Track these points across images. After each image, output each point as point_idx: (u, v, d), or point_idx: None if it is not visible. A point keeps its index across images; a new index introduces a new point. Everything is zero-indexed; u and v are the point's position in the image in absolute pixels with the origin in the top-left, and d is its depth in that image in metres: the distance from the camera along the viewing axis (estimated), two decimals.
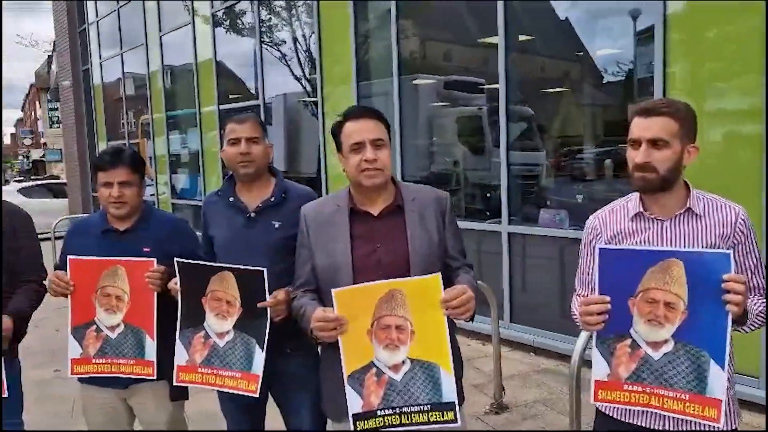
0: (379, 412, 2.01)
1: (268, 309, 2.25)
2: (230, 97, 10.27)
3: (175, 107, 11.92)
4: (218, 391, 2.44)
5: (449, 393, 1.99)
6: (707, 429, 1.81)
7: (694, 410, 1.77)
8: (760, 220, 3.88)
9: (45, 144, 36.85)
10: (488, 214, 6.25)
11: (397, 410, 2.01)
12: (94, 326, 2.52)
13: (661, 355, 1.80)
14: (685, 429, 1.87)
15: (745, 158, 4.14)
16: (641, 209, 1.97)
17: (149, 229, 2.61)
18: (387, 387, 2.00)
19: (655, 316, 1.80)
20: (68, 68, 16.06)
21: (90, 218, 2.82)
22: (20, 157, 59.04)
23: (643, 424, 1.94)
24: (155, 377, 2.49)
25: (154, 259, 2.46)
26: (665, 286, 1.78)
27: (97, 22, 14.58)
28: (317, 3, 7.87)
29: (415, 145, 7.20)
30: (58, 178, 24.40)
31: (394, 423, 2.01)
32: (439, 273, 1.98)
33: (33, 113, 51.93)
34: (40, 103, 41.46)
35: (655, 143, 1.84)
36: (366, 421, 2.01)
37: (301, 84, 8.95)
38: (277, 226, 2.48)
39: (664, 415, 1.87)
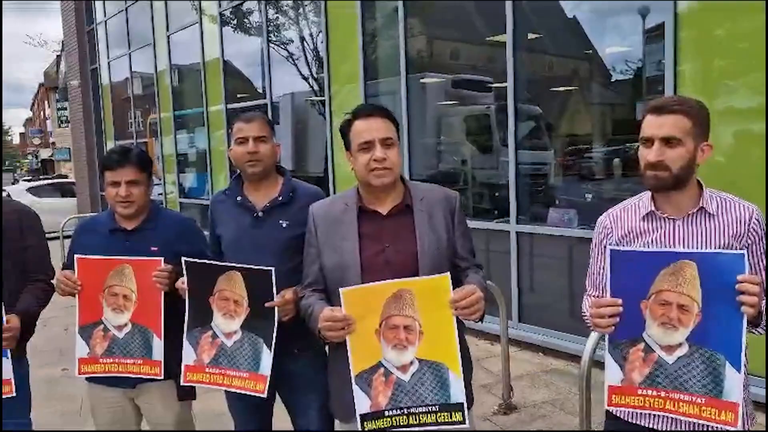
0: (387, 413, 2.00)
1: (276, 309, 2.24)
2: (238, 96, 10.28)
3: (183, 106, 11.94)
4: (226, 391, 2.43)
5: (457, 394, 1.97)
6: (719, 430, 1.78)
7: (710, 414, 1.74)
8: None
9: (54, 143, 37.01)
10: (496, 213, 6.22)
11: (405, 411, 1.99)
12: (102, 326, 2.52)
13: (676, 359, 1.78)
14: (696, 430, 1.85)
15: (756, 156, 4.10)
16: (653, 208, 1.94)
17: (157, 229, 2.61)
18: (395, 387, 1.99)
19: (669, 318, 1.77)
20: (77, 68, 16.13)
21: (98, 217, 2.82)
22: (29, 157, 59.38)
23: (655, 427, 1.92)
24: (162, 377, 2.49)
25: (162, 259, 2.45)
26: (678, 287, 1.75)
27: (105, 21, 14.63)
28: (324, 2, 7.86)
29: (422, 144, 7.18)
30: (66, 177, 24.49)
31: (402, 423, 2.00)
32: (448, 273, 1.96)
33: (42, 113, 52.18)
34: (48, 102, 41.64)
35: (667, 141, 1.81)
36: (374, 422, 2.00)
37: (309, 83, 8.95)
38: (284, 225, 2.46)
39: (676, 418, 1.84)
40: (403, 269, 2.06)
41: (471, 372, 2.20)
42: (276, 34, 9.37)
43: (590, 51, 5.88)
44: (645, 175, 1.87)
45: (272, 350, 2.25)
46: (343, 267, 2.13)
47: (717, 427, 1.76)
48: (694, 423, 1.80)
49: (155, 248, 2.52)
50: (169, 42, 11.80)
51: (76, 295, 2.51)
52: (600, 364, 2.11)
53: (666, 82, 4.51)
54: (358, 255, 2.12)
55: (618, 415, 1.98)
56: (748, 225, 1.85)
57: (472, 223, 2.33)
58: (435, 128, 7.36)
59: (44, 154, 47.26)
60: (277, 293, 2.24)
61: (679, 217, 1.90)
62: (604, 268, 1.99)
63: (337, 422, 2.32)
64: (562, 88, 6.26)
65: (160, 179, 12.46)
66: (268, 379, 2.26)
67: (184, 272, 2.34)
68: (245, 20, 10.06)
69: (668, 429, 1.90)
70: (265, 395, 2.26)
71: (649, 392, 1.82)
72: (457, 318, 1.97)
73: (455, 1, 6.82)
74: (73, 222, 9.58)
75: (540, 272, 5.80)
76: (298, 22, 9.08)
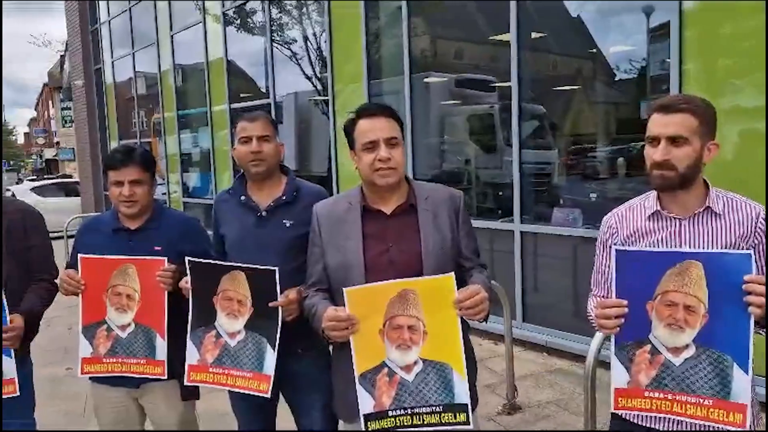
0: (390, 413, 1.99)
1: (280, 309, 2.24)
2: (241, 95, 10.29)
3: (187, 106, 11.96)
4: (229, 390, 2.43)
5: (462, 394, 1.97)
6: (724, 431, 1.77)
7: (718, 416, 1.72)
8: None
9: (58, 143, 37.09)
10: (500, 212, 6.21)
11: (409, 411, 1.99)
12: (105, 325, 2.51)
13: (683, 361, 1.76)
14: (699, 431, 1.83)
15: (761, 155, 4.08)
16: (659, 208, 1.92)
17: (160, 228, 2.60)
18: (399, 387, 1.98)
19: (675, 320, 1.75)
20: (80, 68, 16.17)
21: (101, 217, 2.82)
22: (33, 156, 59.53)
23: (657, 427, 1.90)
24: (166, 377, 2.48)
25: (165, 258, 2.45)
26: (684, 288, 1.74)
27: (109, 21, 14.66)
28: (328, 2, 7.86)
29: (426, 143, 7.17)
30: (70, 176, 24.57)
31: (405, 423, 1.99)
32: (453, 273, 1.95)
33: (46, 112, 52.33)
34: (53, 102, 41.76)
35: (674, 140, 1.79)
36: (377, 422, 1.99)
37: (312, 83, 8.94)
38: (288, 224, 2.46)
39: (681, 419, 1.83)
40: (407, 269, 2.05)
41: (476, 373, 2.19)
42: (279, 33, 9.36)
43: (594, 50, 5.87)
44: (651, 174, 1.86)
45: (276, 350, 2.24)
46: (346, 266, 2.12)
47: (722, 428, 1.74)
48: (699, 424, 1.79)
49: (159, 248, 2.51)
50: (172, 42, 11.82)
51: (80, 295, 2.51)
52: (604, 364, 2.10)
53: (671, 81, 4.49)
54: (362, 254, 2.11)
55: (624, 416, 1.97)
56: (755, 225, 1.84)
57: (476, 223, 2.32)
58: (439, 128, 7.35)
59: (48, 153, 47.38)
60: (280, 293, 2.23)
61: (685, 216, 1.88)
62: (609, 268, 1.97)
63: (340, 422, 2.31)
64: (566, 88, 6.24)
65: (163, 179, 12.48)
66: (272, 379, 2.25)
67: (188, 272, 2.33)
68: (248, 20, 10.06)
69: (670, 429, 1.88)
70: (269, 395, 2.26)
71: (656, 394, 1.80)
72: (462, 318, 1.96)
73: (459, 1, 6.80)
74: (77, 221, 9.60)
75: (544, 272, 5.79)
76: (302, 21, 9.08)
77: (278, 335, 2.24)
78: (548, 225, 5.66)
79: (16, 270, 2.68)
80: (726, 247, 1.82)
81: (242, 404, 2.60)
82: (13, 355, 2.52)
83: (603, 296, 2.07)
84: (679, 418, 1.80)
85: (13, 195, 14.37)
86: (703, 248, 1.84)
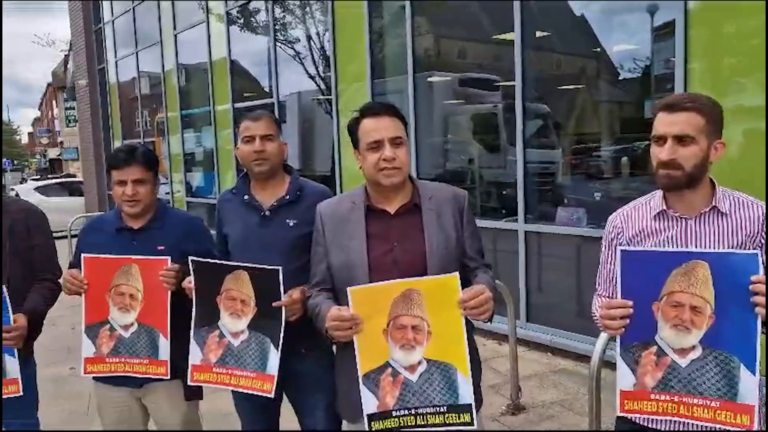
0: (394, 413, 1.98)
1: (283, 308, 2.23)
2: (244, 95, 10.29)
3: (190, 106, 11.96)
4: (233, 390, 2.42)
5: (466, 395, 1.96)
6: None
7: (725, 417, 1.71)
8: None
9: (62, 143, 37.18)
10: (504, 212, 6.19)
11: (413, 411, 1.98)
12: (108, 325, 2.51)
13: (689, 362, 1.75)
14: (701, 430, 1.81)
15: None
16: (664, 207, 1.91)
17: (163, 228, 2.60)
18: (403, 387, 1.97)
19: (681, 320, 1.74)
20: (84, 67, 16.19)
21: (104, 216, 2.82)
22: (37, 156, 59.68)
23: (667, 429, 1.89)
24: (168, 377, 2.48)
25: (169, 258, 2.44)
26: (690, 288, 1.72)
27: (113, 21, 14.68)
28: (332, 1, 7.85)
29: (430, 142, 7.16)
30: (74, 176, 24.61)
31: (409, 424, 1.98)
32: (457, 272, 1.94)
33: (50, 112, 52.43)
34: (56, 102, 41.83)
35: (680, 139, 1.78)
36: (381, 422, 1.98)
37: (316, 82, 8.93)
38: (292, 224, 2.45)
39: (685, 421, 1.81)
40: (410, 269, 2.04)
41: (480, 373, 2.19)
42: (283, 33, 9.36)
43: (598, 49, 5.85)
44: (657, 173, 1.84)
45: (279, 350, 2.24)
46: (350, 266, 2.11)
47: (729, 430, 1.73)
48: (706, 426, 1.77)
49: (162, 247, 2.51)
50: (176, 41, 11.82)
51: (83, 295, 2.50)
52: (609, 365, 2.08)
53: (676, 80, 4.47)
54: (366, 254, 2.10)
55: (631, 417, 1.95)
56: (762, 224, 1.82)
57: (479, 222, 2.31)
58: (442, 127, 7.33)
59: (52, 153, 47.50)
60: (284, 293, 2.22)
61: (691, 216, 1.87)
62: (614, 268, 1.96)
63: (344, 423, 2.31)
64: (570, 87, 6.22)
65: (167, 178, 12.49)
66: (276, 379, 2.24)
67: (191, 271, 2.33)
68: (252, 19, 10.06)
69: (675, 430, 1.87)
70: (272, 395, 2.25)
71: (663, 397, 1.79)
72: (466, 318, 1.95)
73: (462, 0, 6.79)
74: (80, 221, 9.62)
75: (548, 271, 5.77)
76: (305, 21, 9.07)
77: (282, 335, 2.23)
78: (552, 224, 5.64)
79: (20, 269, 2.68)
80: (732, 247, 1.81)
81: (246, 404, 2.60)
82: (16, 354, 2.52)
83: (608, 296, 2.05)
84: (685, 420, 1.78)
85: (17, 194, 14.41)
86: (710, 248, 1.82)
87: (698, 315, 1.72)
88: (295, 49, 9.17)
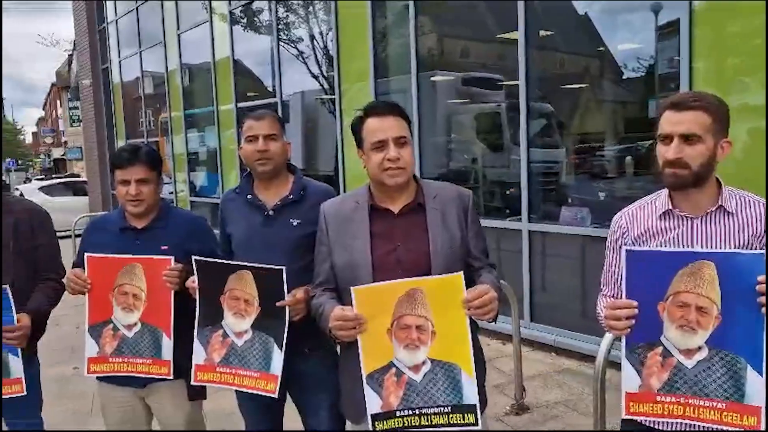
0: (398, 413, 1.97)
1: (287, 308, 2.22)
2: (248, 95, 10.30)
3: (193, 105, 11.97)
4: (237, 390, 2.42)
5: (470, 395, 1.95)
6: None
7: (732, 419, 1.69)
8: None
9: (66, 142, 37.22)
10: (508, 211, 6.18)
11: (417, 411, 1.97)
12: (111, 325, 2.50)
13: (695, 363, 1.73)
14: (704, 430, 1.80)
15: None
16: (670, 206, 1.90)
17: (167, 227, 2.59)
18: (407, 387, 1.96)
19: (687, 321, 1.72)
20: (88, 67, 16.23)
21: (108, 216, 2.81)
22: (42, 156, 59.82)
23: (671, 429, 1.88)
24: (171, 377, 2.47)
25: (172, 258, 2.44)
26: (697, 289, 1.71)
27: (116, 21, 14.70)
28: (335, 1, 7.84)
29: (433, 142, 7.15)
30: (78, 176, 24.66)
31: (413, 424, 1.97)
32: (461, 272, 1.93)
33: (54, 112, 52.56)
34: (60, 101, 41.92)
35: (687, 138, 1.76)
36: (385, 422, 1.98)
37: (319, 81, 8.93)
38: (295, 223, 2.44)
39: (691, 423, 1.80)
40: (414, 268, 2.03)
41: (484, 373, 2.17)
42: (286, 32, 9.36)
43: (602, 48, 5.83)
44: (663, 172, 1.82)
45: (283, 350, 2.23)
46: (353, 266, 2.10)
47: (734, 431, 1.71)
48: (712, 428, 1.75)
49: (165, 247, 2.50)
50: (179, 41, 11.83)
51: (86, 294, 2.50)
52: (614, 365, 2.07)
53: (681, 79, 4.46)
54: (370, 254, 2.09)
55: (637, 418, 1.94)
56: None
57: (483, 222, 2.30)
58: (446, 126, 7.32)
59: (56, 153, 47.59)
60: (288, 292, 2.21)
61: (697, 215, 1.86)
62: (619, 268, 1.95)
63: (348, 423, 2.30)
64: (573, 86, 6.21)
65: (170, 178, 12.50)
66: (280, 378, 2.24)
67: (195, 271, 2.32)
68: (255, 19, 10.07)
69: (678, 430, 1.85)
70: (276, 395, 2.24)
71: (668, 399, 1.77)
72: (471, 318, 1.94)
73: (465, 0, 6.77)
74: (84, 221, 9.63)
75: (552, 271, 5.76)
76: (308, 20, 9.07)
77: (285, 335, 2.23)
78: (556, 224, 5.62)
79: (24, 269, 2.69)
80: (739, 247, 1.79)
81: (249, 404, 2.59)
82: (20, 354, 2.52)
83: (613, 297, 2.04)
84: (692, 422, 1.76)
85: (22, 194, 14.44)
86: (716, 248, 1.81)
87: (704, 315, 1.71)
88: (298, 49, 9.17)
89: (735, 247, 1.79)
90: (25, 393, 2.54)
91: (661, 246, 1.88)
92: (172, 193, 12.50)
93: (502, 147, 6.68)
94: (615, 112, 6.07)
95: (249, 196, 2.52)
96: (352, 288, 1.96)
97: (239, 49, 10.17)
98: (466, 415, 1.95)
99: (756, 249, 1.77)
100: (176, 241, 2.54)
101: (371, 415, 1.97)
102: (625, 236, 1.99)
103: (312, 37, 8.91)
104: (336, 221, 2.19)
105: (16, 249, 2.67)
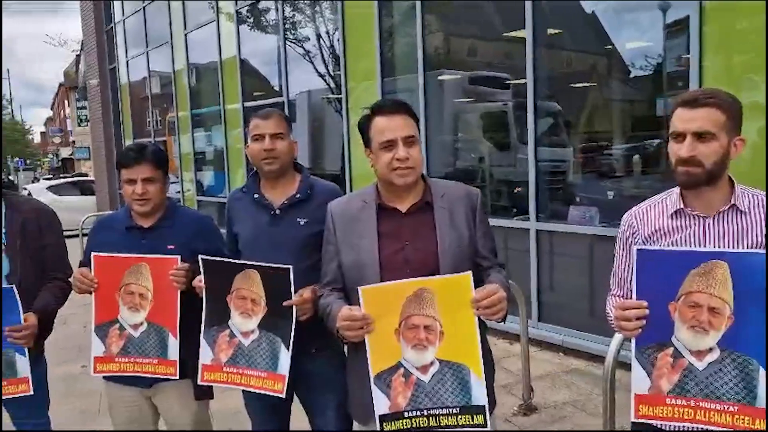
0: (406, 414, 1.96)
1: (294, 308, 2.21)
2: (254, 94, 10.30)
3: (200, 105, 11.99)
4: (243, 390, 2.41)
5: (479, 396, 1.93)
6: None
7: (743, 422, 1.66)
8: None
9: (73, 142, 37.38)
10: (515, 210, 6.16)
11: (425, 412, 1.95)
12: (118, 324, 2.49)
13: (706, 365, 1.70)
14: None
15: None
16: (682, 205, 1.87)
17: (173, 227, 2.58)
18: (415, 388, 1.95)
19: (699, 322, 1.69)
20: (96, 67, 16.27)
21: (115, 215, 2.81)
22: (50, 155, 60.11)
23: (680, 430, 1.85)
24: (177, 377, 2.46)
25: (179, 257, 2.43)
26: (709, 289, 1.68)
27: (123, 21, 14.74)
28: (342, 0, 7.83)
29: (440, 141, 7.13)
30: (86, 175, 24.77)
31: (421, 425, 1.96)
32: (470, 272, 1.91)
33: (62, 112, 52.78)
34: (68, 101, 42.09)
35: (700, 136, 1.74)
36: (393, 423, 1.96)
37: (325, 81, 8.92)
38: (302, 222, 2.43)
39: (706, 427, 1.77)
40: (422, 268, 2.02)
41: (493, 374, 2.16)
42: (293, 32, 9.36)
43: (610, 47, 5.80)
44: (676, 171, 1.80)
45: (290, 350, 2.22)
46: (361, 265, 2.09)
47: None
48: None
49: (172, 246, 2.50)
50: (186, 41, 11.85)
51: (93, 293, 2.49)
52: (622, 365, 2.04)
53: (691, 76, 4.42)
54: (377, 253, 2.08)
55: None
56: None
57: (491, 221, 2.28)
58: (453, 125, 7.30)
59: (64, 152, 47.81)
60: (295, 292, 2.20)
61: (709, 215, 1.83)
62: (629, 267, 1.93)
63: (356, 424, 2.28)
64: (581, 85, 6.17)
65: (177, 177, 12.53)
66: (287, 378, 2.22)
67: (201, 270, 2.31)
68: (262, 18, 10.07)
69: (687, 430, 1.83)
70: (283, 395, 2.23)
71: (679, 401, 1.74)
72: (479, 318, 1.92)
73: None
74: (92, 220, 9.65)
75: (560, 271, 5.72)
76: (315, 19, 9.06)
77: (292, 334, 2.21)
78: (564, 223, 5.59)
79: (31, 269, 2.69)
80: (752, 246, 1.77)
81: (256, 404, 2.58)
82: (27, 353, 2.52)
83: (622, 296, 2.02)
84: (702, 426, 1.73)
85: (30, 194, 14.51)
86: (729, 247, 1.78)
87: (716, 316, 1.68)
88: (304, 48, 9.16)
89: (748, 247, 1.77)
90: (32, 392, 2.54)
91: (672, 245, 1.86)
92: (179, 192, 12.53)
93: (509, 146, 6.65)
94: (623, 111, 6.03)
95: (256, 196, 2.51)
96: (359, 288, 1.95)
97: (246, 48, 10.17)
98: (475, 416, 1.93)
99: None
100: (183, 240, 2.53)
101: (379, 416, 1.96)
102: (635, 235, 1.97)
103: (318, 37, 8.90)
104: (343, 220, 2.18)
105: (24, 248, 2.67)
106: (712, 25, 4.33)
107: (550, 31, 5.90)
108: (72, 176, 26.19)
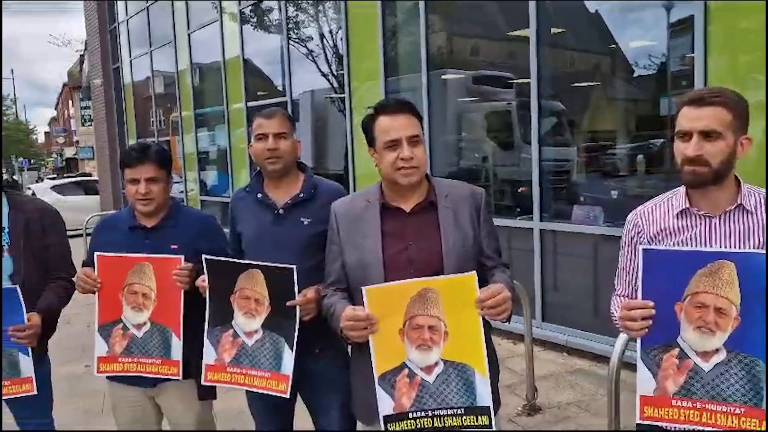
0: (410, 414, 1.95)
1: (297, 308, 2.20)
2: (258, 94, 10.30)
3: (204, 105, 12.00)
4: (247, 390, 2.40)
5: (484, 397, 1.92)
6: None
7: (750, 425, 1.64)
8: None
9: (77, 142, 37.46)
10: (519, 210, 6.14)
11: (430, 413, 1.95)
12: (121, 324, 2.49)
13: (712, 366, 1.68)
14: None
15: None
16: (687, 205, 1.86)
17: (177, 226, 2.58)
18: (419, 389, 1.94)
19: (705, 322, 1.68)
20: (99, 67, 16.30)
21: (118, 215, 2.81)
22: (54, 155, 60.24)
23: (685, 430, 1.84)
24: (180, 377, 2.46)
25: (182, 257, 2.42)
26: (715, 289, 1.67)
27: (127, 20, 14.76)
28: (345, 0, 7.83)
29: (444, 140, 7.12)
30: (90, 175, 24.81)
31: (426, 426, 1.95)
32: (474, 272, 1.91)
33: (66, 112, 52.89)
34: (72, 101, 42.17)
35: (707, 135, 1.72)
36: (397, 423, 1.95)
37: (329, 80, 8.92)
38: (306, 222, 2.42)
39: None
40: (426, 268, 2.01)
41: (498, 374, 2.15)
42: (296, 31, 9.35)
43: (613, 46, 5.78)
44: (682, 170, 1.78)
45: (294, 350, 2.21)
46: (364, 265, 2.08)
47: None
48: None
49: (175, 246, 2.49)
50: (189, 41, 11.86)
51: (96, 293, 2.49)
52: (627, 365, 2.03)
53: (696, 76, 4.40)
54: (381, 253, 2.07)
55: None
56: None
57: (494, 221, 2.27)
58: (456, 125, 7.29)
59: (68, 152, 47.88)
60: (298, 292, 2.19)
61: (715, 214, 1.82)
62: (634, 267, 1.91)
63: (359, 424, 2.28)
64: (585, 84, 6.15)
65: (181, 177, 12.54)
66: (291, 378, 2.22)
67: (205, 270, 2.31)
68: (265, 18, 10.07)
69: (690, 430, 1.81)
70: (287, 395, 2.22)
71: (684, 403, 1.72)
72: (484, 318, 1.91)
73: None
74: (95, 219, 9.66)
75: (564, 270, 5.71)
76: (318, 19, 9.05)
77: (296, 334, 2.21)
78: (568, 223, 5.58)
79: (34, 268, 2.69)
80: (759, 246, 1.75)
81: (260, 404, 2.58)
82: (30, 353, 2.52)
83: (627, 296, 2.01)
84: (708, 428, 1.71)
85: (34, 193, 14.55)
86: (735, 247, 1.77)
87: (723, 317, 1.67)
88: (308, 48, 9.16)
89: (755, 247, 1.75)
90: (35, 392, 2.54)
91: (678, 245, 1.84)
92: (182, 192, 12.54)
93: (513, 145, 6.64)
94: (627, 110, 6.01)
95: (259, 195, 2.50)
96: (363, 288, 1.94)
97: (249, 48, 10.18)
98: (479, 417, 1.92)
99: None
100: (186, 240, 2.52)
101: (383, 416, 1.95)
102: (640, 235, 1.96)
103: (322, 36, 8.89)
104: (347, 220, 2.17)
105: (27, 248, 2.67)
106: (716, 24, 4.31)
107: (554, 30, 5.88)
108: (76, 176, 26.26)
